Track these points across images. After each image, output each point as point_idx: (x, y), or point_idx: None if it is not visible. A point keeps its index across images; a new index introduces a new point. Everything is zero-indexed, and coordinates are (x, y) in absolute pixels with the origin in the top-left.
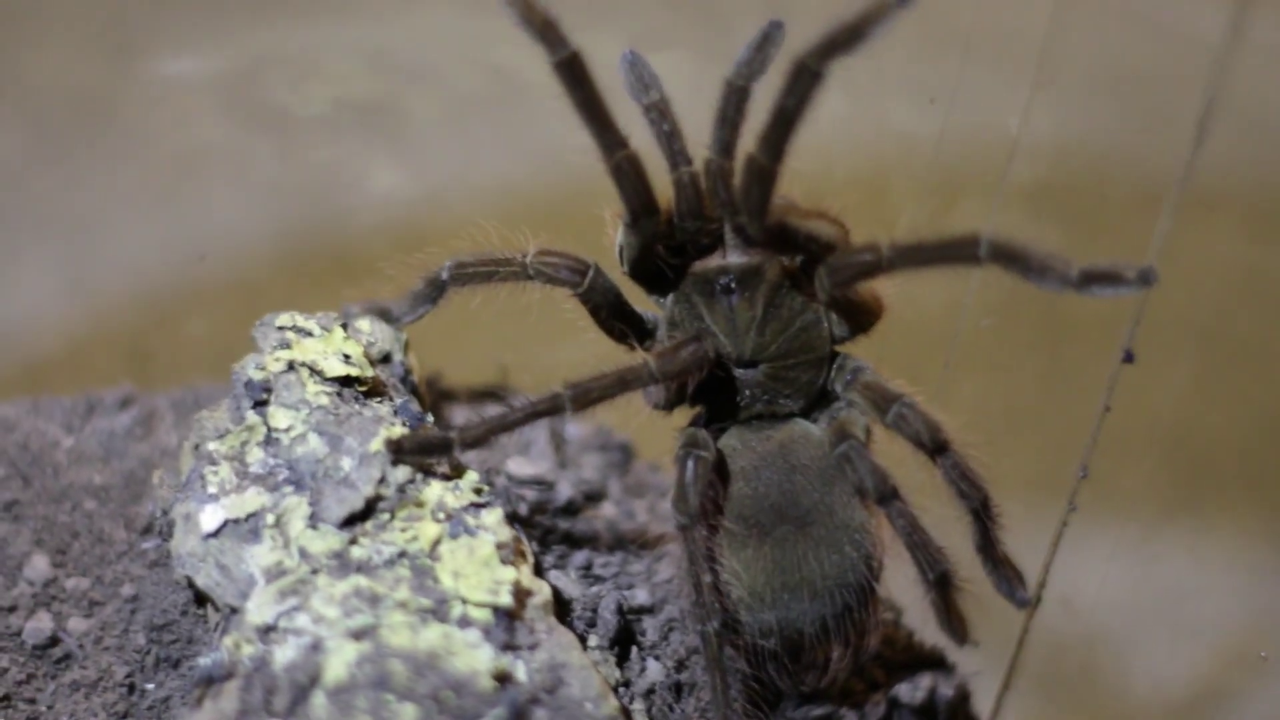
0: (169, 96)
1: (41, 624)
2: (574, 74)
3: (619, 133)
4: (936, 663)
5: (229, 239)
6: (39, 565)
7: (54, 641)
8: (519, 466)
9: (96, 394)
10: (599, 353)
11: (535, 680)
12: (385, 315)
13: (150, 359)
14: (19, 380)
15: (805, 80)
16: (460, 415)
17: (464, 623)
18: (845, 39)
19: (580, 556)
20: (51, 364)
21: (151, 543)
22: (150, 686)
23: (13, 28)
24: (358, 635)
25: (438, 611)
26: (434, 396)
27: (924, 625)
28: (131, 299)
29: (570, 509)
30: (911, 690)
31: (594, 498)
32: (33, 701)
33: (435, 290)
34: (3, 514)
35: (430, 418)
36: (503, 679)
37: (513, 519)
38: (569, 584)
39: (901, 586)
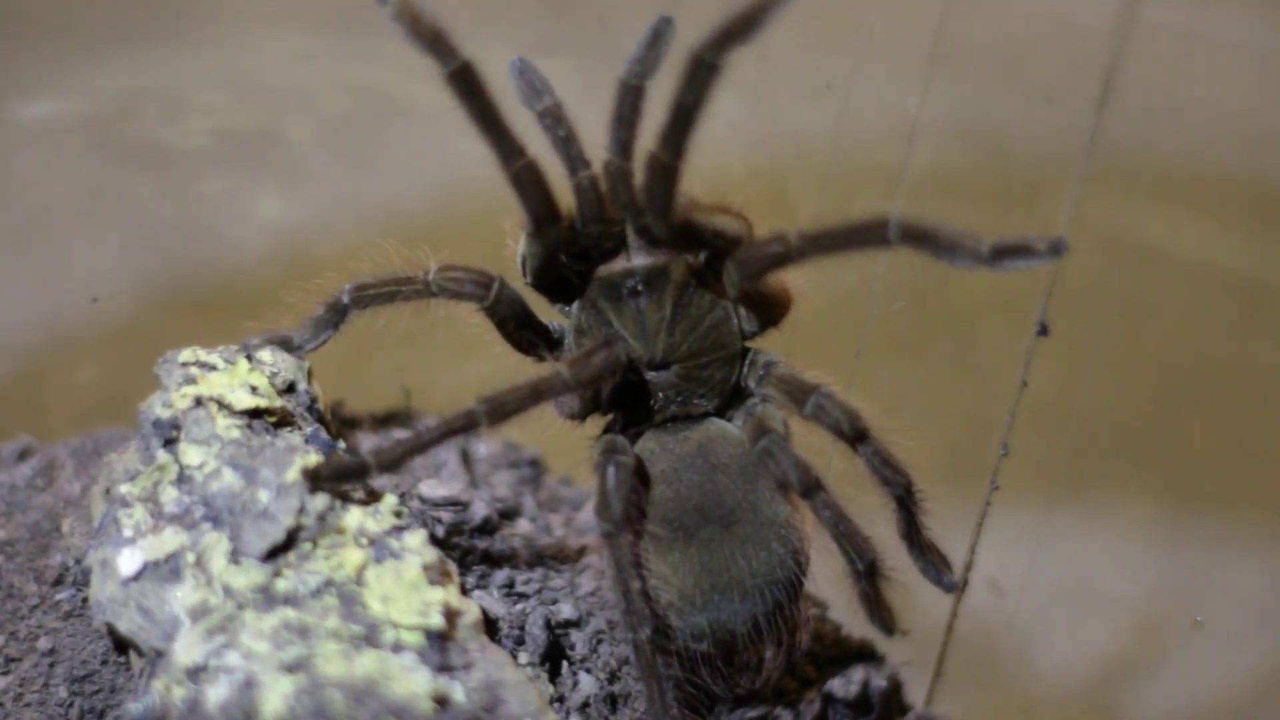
0: (36, 140)
1: None
2: (467, 84)
3: (516, 141)
4: (867, 655)
5: (116, 281)
6: None
7: None
8: (432, 489)
9: None
10: (503, 368)
11: (473, 700)
12: (286, 345)
13: (44, 408)
14: None
15: (702, 74)
16: (367, 442)
17: (397, 647)
18: (740, 29)
19: (501, 575)
20: None
21: (65, 593)
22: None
23: None
24: (291, 668)
25: (370, 638)
26: (338, 425)
27: (851, 618)
28: (20, 348)
29: (486, 528)
30: (845, 684)
31: (509, 515)
32: None
33: (337, 315)
34: None
35: (341, 444)
36: (441, 701)
37: (432, 541)
38: (493, 603)
39: (825, 581)
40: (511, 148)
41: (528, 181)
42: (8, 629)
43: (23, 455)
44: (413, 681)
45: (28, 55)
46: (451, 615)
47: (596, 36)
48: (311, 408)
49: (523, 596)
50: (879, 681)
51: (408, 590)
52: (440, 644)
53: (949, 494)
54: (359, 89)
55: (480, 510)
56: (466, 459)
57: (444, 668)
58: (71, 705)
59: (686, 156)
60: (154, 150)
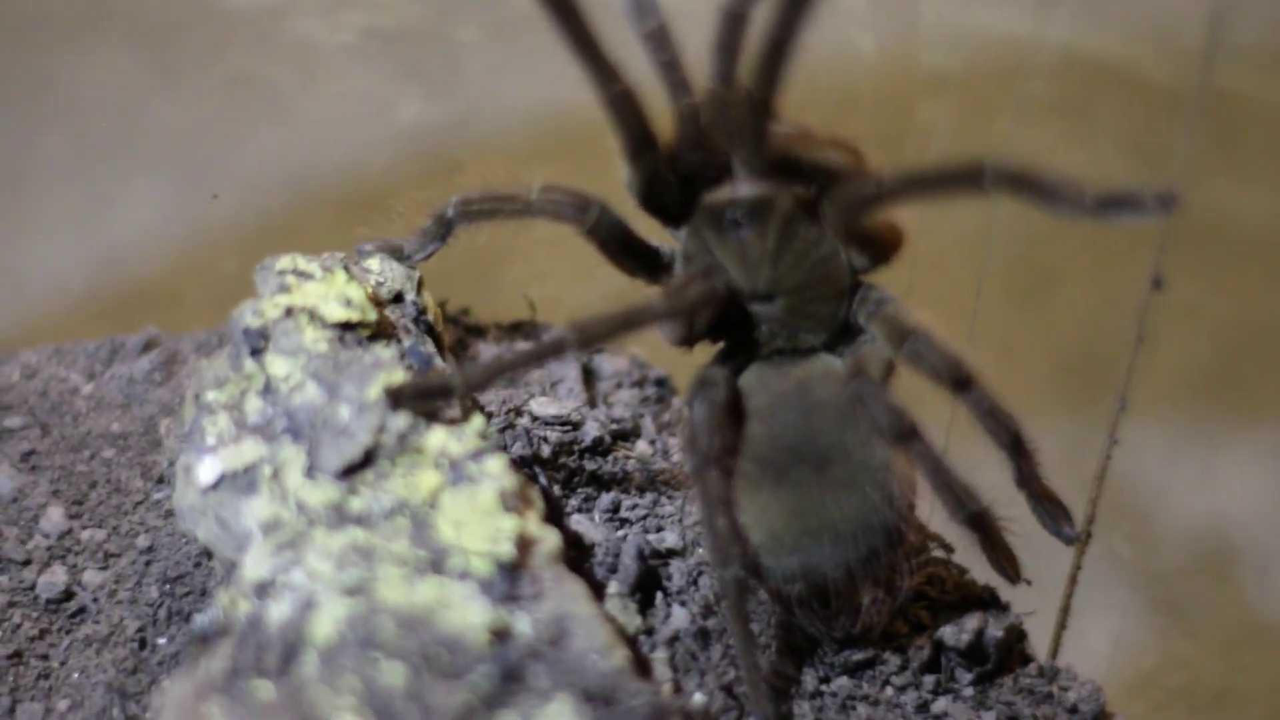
0: (201, 28)
1: (56, 578)
2: (564, 7)
3: (612, 66)
4: (988, 603)
5: (260, 175)
6: (55, 517)
7: (68, 595)
8: (543, 406)
9: (120, 338)
10: (633, 284)
11: (538, 632)
12: (397, 253)
13: (180, 301)
14: (48, 327)
15: (794, 8)
16: (488, 351)
17: (463, 575)
18: None
19: (607, 499)
20: (80, 307)
21: (165, 493)
22: (161, 641)
23: None
24: (351, 591)
25: (436, 564)
26: (461, 333)
27: (976, 563)
28: (164, 240)
29: (598, 449)
30: (957, 632)
31: (626, 436)
32: (45, 658)
33: (443, 228)
34: (20, 464)
35: (440, 360)
36: (500, 634)
37: (532, 461)
38: (592, 528)
39: (951, 523)
40: (607, 72)
41: (623, 108)
42: (110, 524)
43: (146, 347)
44: (469, 612)
45: None
46: (526, 544)
47: None
48: (418, 319)
49: (626, 522)
50: (995, 631)
51: (481, 517)
52: (510, 573)
53: (1069, 444)
54: None
55: (592, 430)
56: (588, 376)
57: (510, 598)
58: (161, 605)
59: (779, 89)
60: (304, 45)
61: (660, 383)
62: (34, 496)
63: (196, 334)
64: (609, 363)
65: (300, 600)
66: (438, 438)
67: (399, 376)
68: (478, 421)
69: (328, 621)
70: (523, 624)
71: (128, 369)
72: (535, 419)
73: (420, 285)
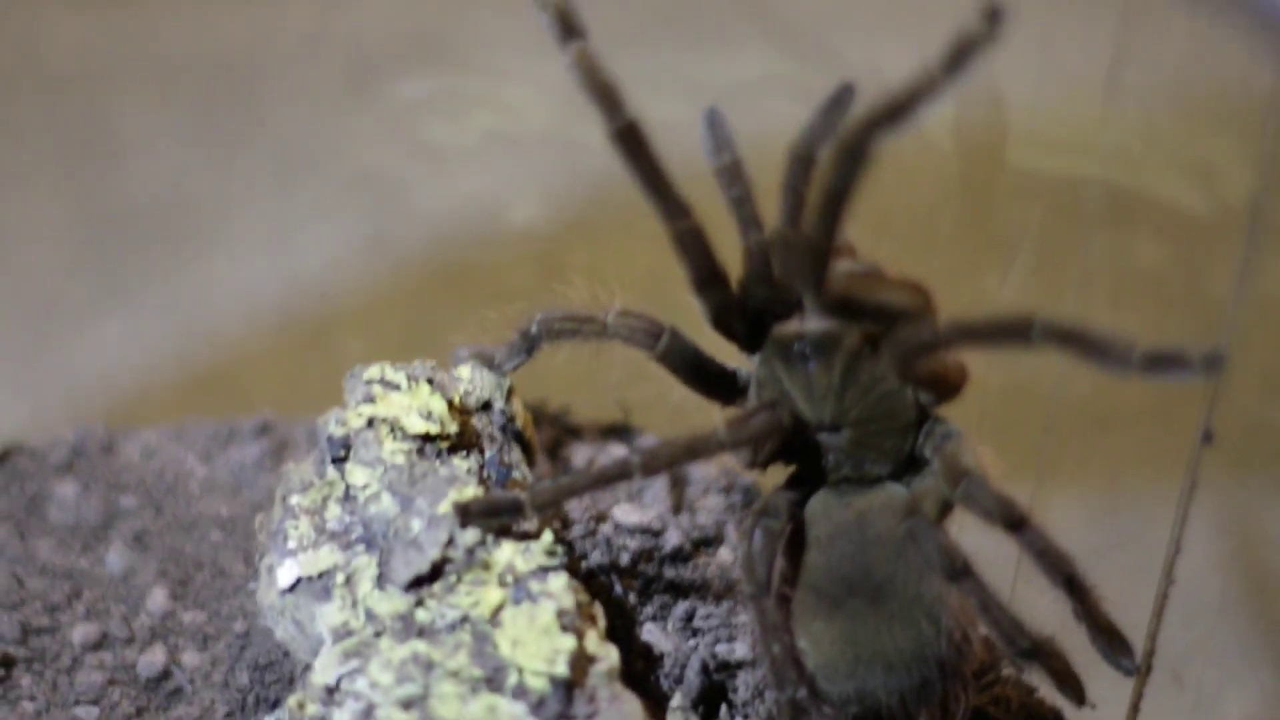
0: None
1: (156, 657)
2: (631, 143)
3: (680, 201)
4: None
5: (382, 260)
6: (159, 597)
7: (166, 675)
8: (625, 514)
9: (237, 422)
10: None
11: None
12: (488, 361)
13: (298, 384)
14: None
15: (849, 161)
16: (581, 454)
17: (518, 693)
18: (889, 116)
19: (682, 607)
20: (211, 384)
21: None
22: None
23: None
24: (407, 704)
25: (492, 680)
26: (559, 433)
27: (1044, 683)
28: (283, 323)
29: (679, 556)
30: None
31: (708, 543)
32: None
33: (528, 342)
34: (133, 544)
35: (523, 469)
36: None
37: (609, 570)
38: (663, 638)
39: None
40: (674, 208)
41: (688, 243)
42: (211, 607)
43: (261, 432)
44: None
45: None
46: (584, 662)
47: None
48: (506, 427)
49: (698, 632)
50: None
51: (539, 635)
52: (564, 692)
53: (1124, 575)
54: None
55: (673, 539)
56: (676, 482)
57: (563, 716)
58: (250, 691)
59: (837, 236)
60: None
61: (747, 491)
62: (142, 576)
63: (310, 421)
64: (698, 469)
65: (360, 709)
66: (505, 553)
67: (469, 493)
68: (547, 538)
69: None
70: None
71: (241, 453)
72: (618, 527)
73: (510, 394)
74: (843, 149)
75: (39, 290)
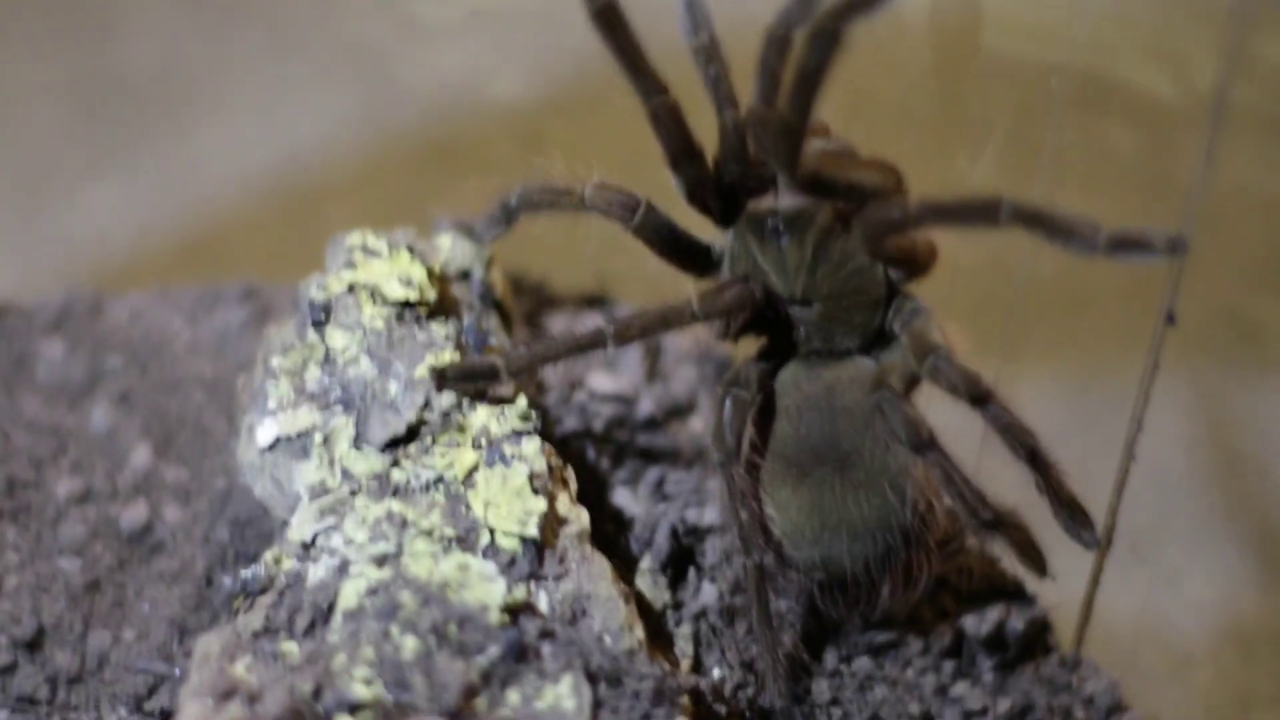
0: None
1: (138, 512)
2: (610, 22)
3: (656, 79)
4: (1014, 594)
5: (368, 131)
6: (142, 455)
7: (148, 529)
8: (600, 381)
9: (223, 286)
10: None
11: (556, 611)
12: (468, 232)
13: (286, 250)
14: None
15: (824, 42)
16: (558, 324)
17: (489, 552)
18: (864, 1)
19: (654, 473)
20: (200, 249)
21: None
22: (226, 580)
23: None
24: (380, 561)
25: (464, 540)
26: (537, 304)
27: (1005, 553)
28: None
29: (651, 424)
30: (978, 622)
31: (681, 412)
32: (121, 586)
33: (507, 214)
34: (118, 403)
35: (501, 336)
36: (514, 611)
37: (584, 435)
38: (633, 502)
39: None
40: (650, 85)
41: (664, 119)
42: (193, 464)
43: (245, 297)
44: (486, 591)
45: None
46: (554, 524)
47: None
48: (485, 295)
49: (668, 498)
50: (1016, 623)
51: (511, 497)
52: (535, 552)
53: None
54: None
55: (646, 407)
56: (650, 352)
57: (533, 576)
58: (230, 546)
59: (810, 115)
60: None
61: (721, 363)
62: (126, 435)
63: (294, 286)
64: (672, 339)
65: (335, 565)
66: (480, 417)
67: (445, 357)
68: (521, 403)
69: (352, 592)
70: (543, 602)
71: (226, 316)
72: (592, 394)
73: (490, 263)
74: (817, 32)
75: (33, 155)
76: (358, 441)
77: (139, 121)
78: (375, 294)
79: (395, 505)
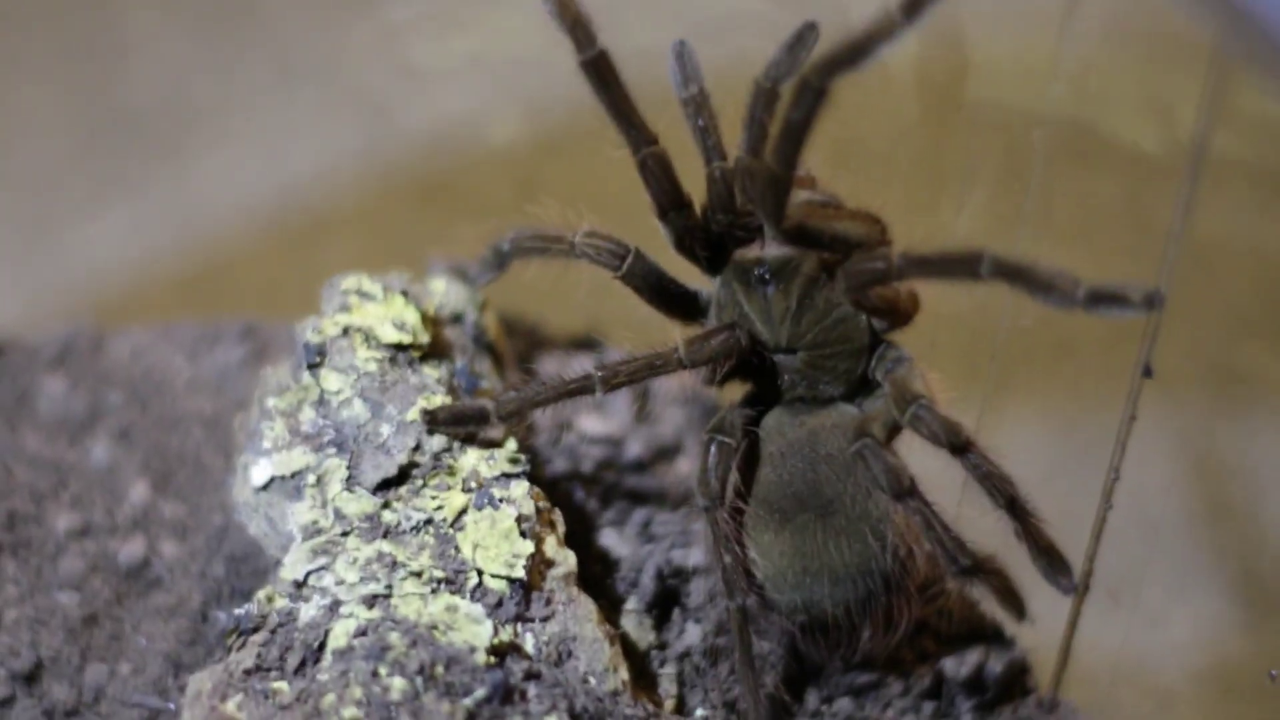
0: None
1: (136, 547)
2: (600, 73)
3: (645, 129)
4: (993, 637)
5: (368, 170)
6: (141, 490)
7: (145, 564)
8: (590, 424)
9: (223, 324)
10: None
11: (542, 653)
12: (463, 275)
13: (283, 287)
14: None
15: (810, 97)
16: (550, 365)
17: (476, 594)
18: (849, 57)
19: (641, 514)
20: (201, 284)
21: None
22: (221, 616)
23: None
24: (370, 601)
25: (453, 581)
26: (530, 345)
27: (985, 597)
28: (277, 224)
29: (638, 466)
30: (958, 664)
31: (667, 454)
32: (118, 621)
33: (500, 259)
34: (118, 439)
35: (493, 380)
36: (502, 654)
37: (572, 477)
38: (620, 543)
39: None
40: (639, 136)
41: (652, 169)
42: (191, 500)
43: (245, 334)
44: (473, 633)
45: None
46: (542, 566)
47: None
48: (478, 338)
49: (654, 539)
50: (995, 666)
51: (499, 539)
52: (522, 593)
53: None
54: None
55: (634, 449)
56: (639, 394)
57: (520, 618)
58: (225, 582)
59: (796, 167)
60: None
61: (709, 405)
62: (126, 471)
63: (290, 323)
64: (661, 382)
65: (326, 605)
66: (470, 460)
67: (437, 401)
68: (511, 446)
69: (342, 632)
70: (528, 644)
71: (226, 354)
72: (582, 436)
73: (483, 306)
74: (803, 86)
75: (37, 185)
76: (350, 483)
77: (142, 154)
78: (369, 337)
79: (386, 546)
